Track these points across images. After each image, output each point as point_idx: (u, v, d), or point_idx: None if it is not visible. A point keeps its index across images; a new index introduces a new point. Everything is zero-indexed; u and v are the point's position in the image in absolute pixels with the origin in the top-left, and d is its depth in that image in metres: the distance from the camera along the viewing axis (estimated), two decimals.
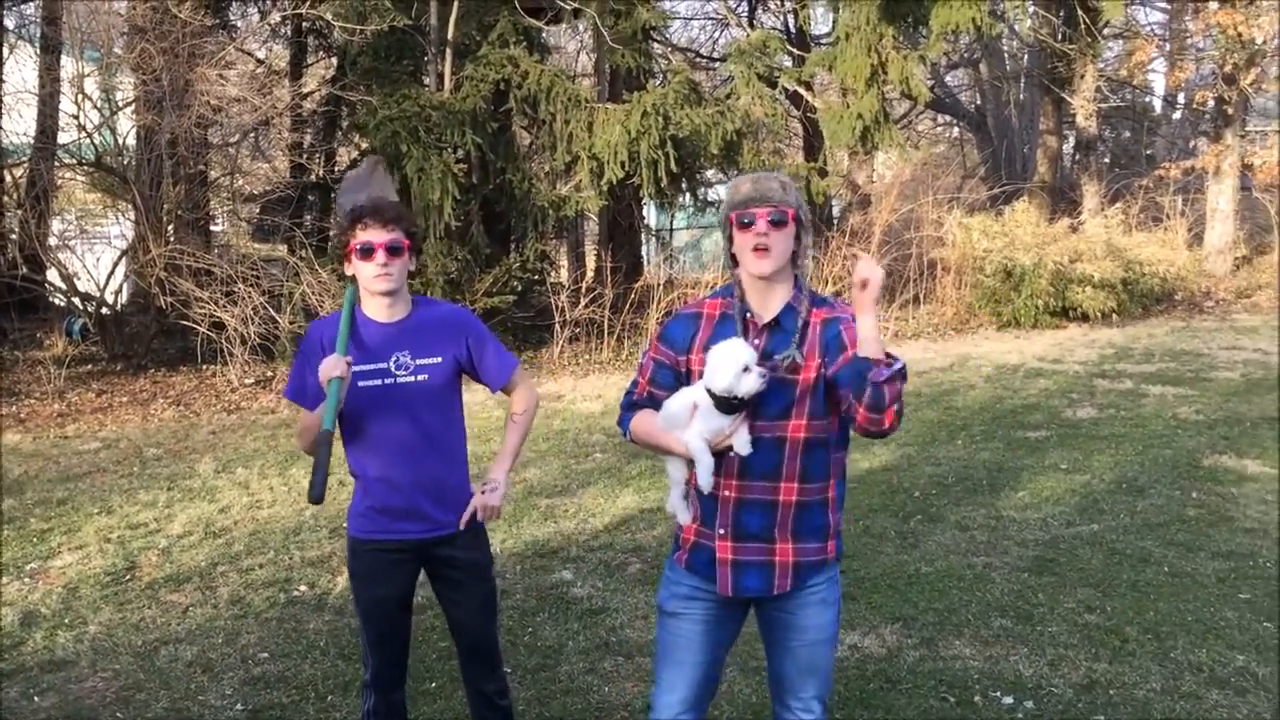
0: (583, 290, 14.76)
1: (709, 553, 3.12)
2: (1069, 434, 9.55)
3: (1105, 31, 22.25)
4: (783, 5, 22.78)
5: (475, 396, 8.30)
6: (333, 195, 17.15)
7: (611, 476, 8.25)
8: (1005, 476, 8.18)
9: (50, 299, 15.12)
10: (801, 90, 18.07)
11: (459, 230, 13.39)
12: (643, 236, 19.74)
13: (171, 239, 13.05)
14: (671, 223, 20.96)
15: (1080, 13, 19.68)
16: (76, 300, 13.74)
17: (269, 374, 12.49)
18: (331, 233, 16.37)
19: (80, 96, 13.36)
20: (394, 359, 3.58)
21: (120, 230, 15.37)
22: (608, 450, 9.08)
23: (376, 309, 3.63)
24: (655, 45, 18.76)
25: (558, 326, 14.17)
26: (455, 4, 13.97)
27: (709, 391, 2.96)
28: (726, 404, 2.94)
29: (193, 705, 4.74)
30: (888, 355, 2.79)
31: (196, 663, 5.17)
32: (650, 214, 20.25)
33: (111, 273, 14.03)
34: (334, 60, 16.92)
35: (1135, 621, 5.40)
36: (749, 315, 3.09)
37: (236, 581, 6.23)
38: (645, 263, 18.97)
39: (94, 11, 14.14)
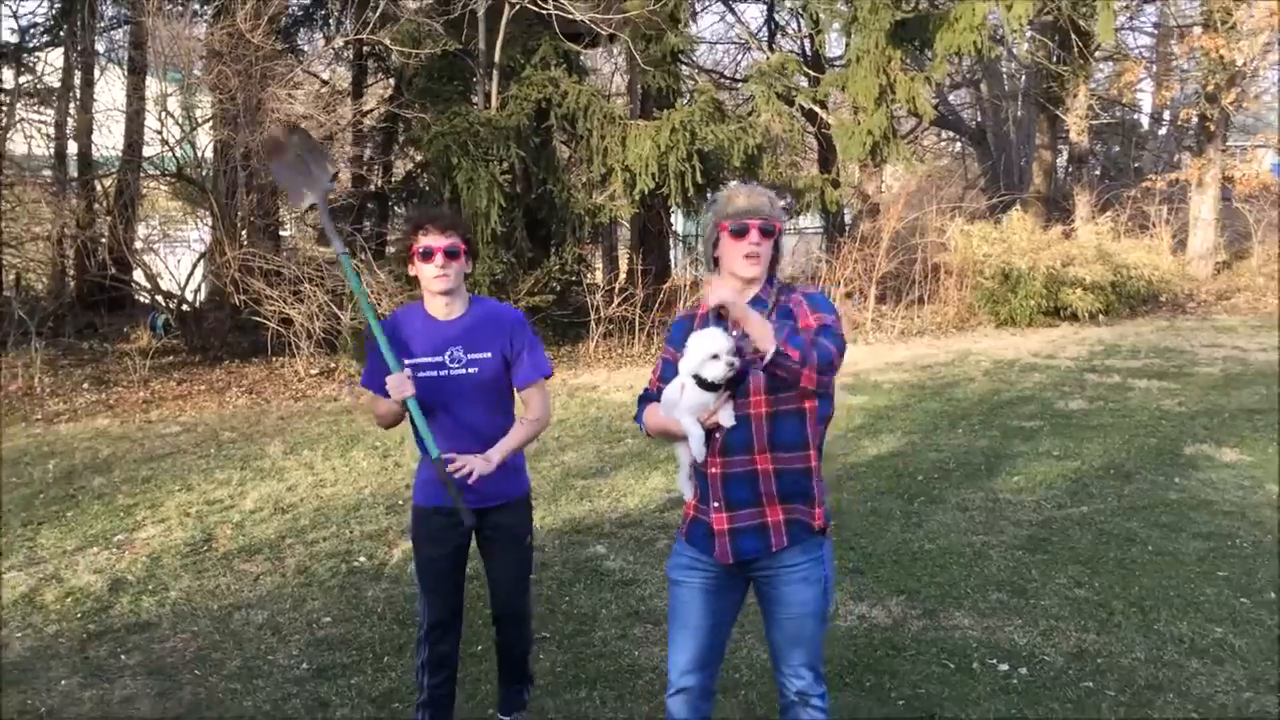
0: (616, 290, 14.74)
1: (705, 526, 3.16)
2: (1061, 424, 9.47)
3: (1096, 54, 22.04)
4: (800, 30, 22.65)
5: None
6: (390, 204, 17.26)
7: (642, 460, 8.24)
8: (1002, 462, 8.13)
9: (136, 297, 15.25)
10: (816, 108, 17.98)
11: (504, 235, 13.40)
12: (670, 241, 19.72)
13: (245, 243, 13.12)
14: (697, 229, 20.92)
15: (1074, 36, 19.53)
16: (160, 298, 13.85)
17: (331, 365, 12.56)
18: (389, 238, 16.47)
19: (163, 114, 13.47)
20: (449, 353, 3.67)
21: (199, 235, 15.48)
22: (638, 436, 9.07)
23: (436, 307, 3.72)
24: (683, 67, 18.67)
25: (593, 323, 14.18)
26: (501, 30, 13.99)
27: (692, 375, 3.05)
28: (704, 384, 3.02)
29: (263, 664, 4.78)
30: (776, 350, 2.84)
31: (266, 626, 5.22)
32: (678, 221, 20.24)
33: (191, 273, 14.13)
34: (392, 81, 16.99)
35: (1121, 596, 5.36)
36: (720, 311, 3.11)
37: (302, 553, 6.27)
38: (673, 265, 18.94)
39: (176, 37, 14.23)
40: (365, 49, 16.19)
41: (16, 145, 14.35)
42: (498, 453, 3.65)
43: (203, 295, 14.64)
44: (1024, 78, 26.58)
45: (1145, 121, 30.45)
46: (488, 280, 12.99)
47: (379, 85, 18.47)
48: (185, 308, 13.88)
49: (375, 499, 7.30)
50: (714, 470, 3.11)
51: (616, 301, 14.29)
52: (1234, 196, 22.48)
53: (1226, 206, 22.58)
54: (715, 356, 2.98)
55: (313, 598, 5.57)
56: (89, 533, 6.66)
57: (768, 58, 18.72)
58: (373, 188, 16.41)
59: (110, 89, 15.42)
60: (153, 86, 14.39)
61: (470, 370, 3.67)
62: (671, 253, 19.70)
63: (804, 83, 18.46)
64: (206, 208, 13.64)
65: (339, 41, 16.27)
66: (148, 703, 4.40)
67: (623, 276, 16.83)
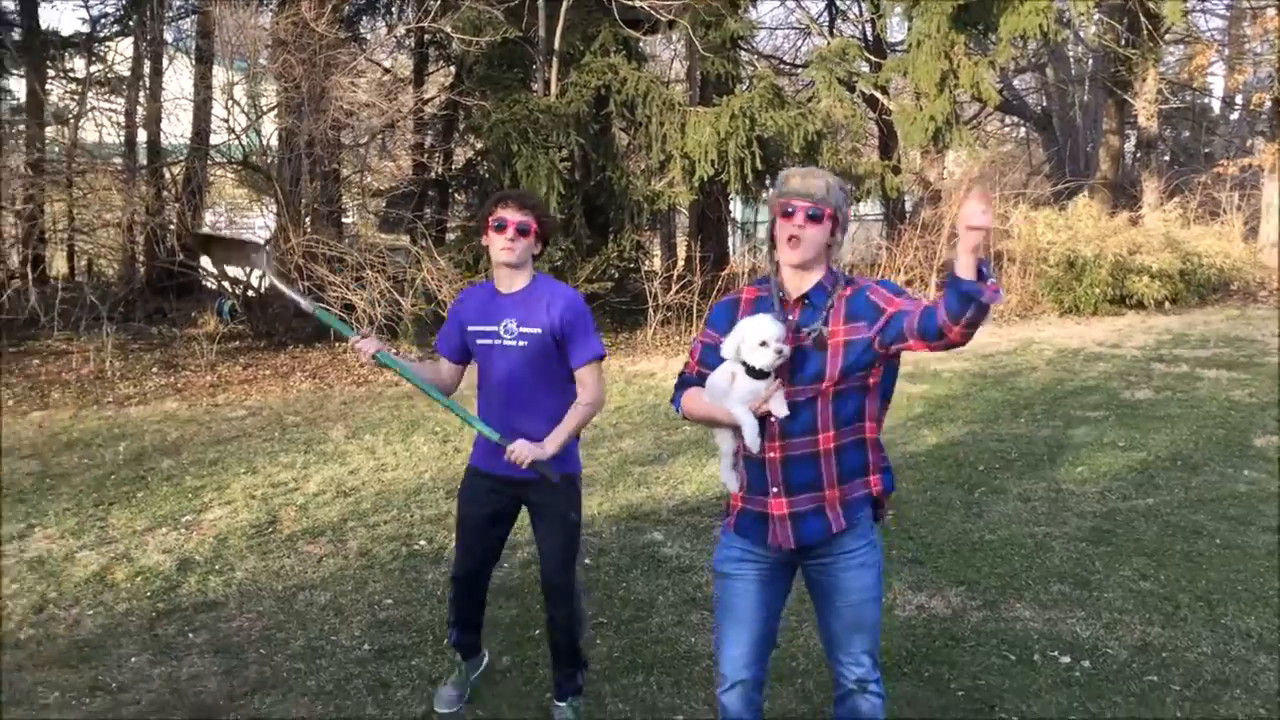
0: (674, 278, 14.73)
1: (755, 516, 3.13)
2: (1126, 414, 9.31)
3: (1166, 37, 21.57)
4: (861, 15, 22.43)
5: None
6: (450, 191, 17.37)
7: (699, 447, 8.24)
8: (1065, 453, 8.01)
9: (203, 283, 15.52)
10: (878, 94, 17.80)
11: (563, 223, 13.44)
12: (729, 228, 19.64)
13: (308, 230, 13.29)
14: (756, 216, 20.83)
15: (1143, 19, 19.09)
16: (226, 284, 14.08)
17: (394, 351, 12.67)
18: (449, 224, 16.60)
19: (230, 102, 13.68)
20: (503, 324, 3.84)
21: (264, 222, 15.71)
22: (695, 424, 9.05)
23: (500, 279, 3.91)
24: (742, 53, 18.55)
25: (651, 310, 14.18)
26: (561, 17, 14.00)
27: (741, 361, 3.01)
28: (754, 372, 2.98)
29: (326, 644, 4.85)
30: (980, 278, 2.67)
31: (329, 606, 5.30)
32: (736, 208, 20.15)
33: None
34: (452, 69, 17.07)
35: (1188, 589, 5.27)
36: (783, 295, 3.11)
37: (364, 535, 6.36)
38: (731, 253, 18.85)
39: (242, 26, 14.43)
40: (427, 37, 16.30)
41: (88, 133, 14.65)
42: (552, 442, 3.78)
43: (267, 281, 14.85)
44: (1091, 61, 26.11)
45: (1216, 106, 29.82)
46: (546, 267, 13.01)
47: (440, 73, 18.58)
48: (251, 294, 14.10)
49: (435, 483, 7.38)
50: (773, 454, 3.06)
51: (675, 288, 14.28)
52: None
53: None
54: (764, 344, 2.94)
55: (374, 580, 5.65)
56: (158, 513, 6.81)
57: (828, 43, 18.54)
58: (433, 175, 16.53)
59: (178, 78, 15.68)
60: (219, 75, 14.61)
61: (520, 344, 3.82)
62: (730, 240, 19.63)
63: (865, 68, 18.29)
64: (271, 195, 13.84)
65: (401, 29, 16.42)
66: (214, 680, 4.49)
67: (680, 264, 16.81)
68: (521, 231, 3.79)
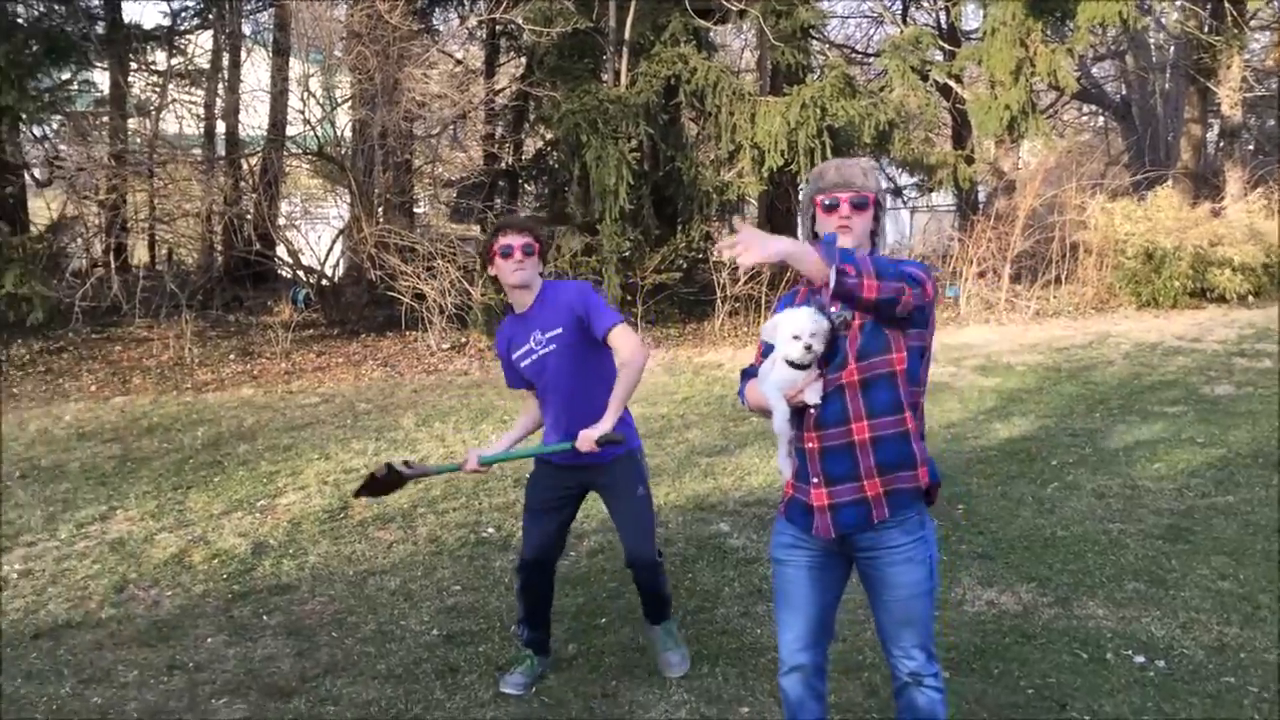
0: (742, 268, 14.66)
1: (803, 505, 3.13)
2: (1206, 410, 9.09)
3: (1252, 23, 20.96)
4: (935, 3, 22.13)
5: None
6: (520, 182, 17.47)
7: (766, 439, 8.19)
8: (1142, 449, 7.84)
9: (279, 271, 15.82)
10: (952, 83, 17.55)
11: (632, 213, 13.45)
12: (798, 219, 19.52)
13: (381, 220, 13.46)
14: None
15: (1227, 4, 18.57)
16: (301, 273, 14.33)
17: (463, 340, 12.80)
18: (520, 214, 16.69)
19: (305, 94, 13.89)
20: (533, 337, 4.13)
21: (338, 212, 15.94)
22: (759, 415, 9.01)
23: (516, 302, 4.18)
24: (814, 42, 18.41)
25: (719, 301, 14.14)
26: (632, 7, 14.00)
27: None
28: (789, 362, 3.00)
29: (396, 628, 4.92)
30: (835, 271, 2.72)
31: (399, 592, 5.37)
32: None
33: (330, 249, 14.57)
34: (523, 59, 17.15)
35: (1268, 590, 5.12)
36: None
37: (433, 522, 6.43)
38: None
39: (318, 18, 14.65)
40: (498, 28, 16.40)
41: (169, 125, 14.97)
42: (608, 417, 3.99)
43: (341, 270, 15.08)
44: (1173, 48, 25.45)
45: None
46: (615, 258, 13.07)
47: (511, 64, 18.69)
48: (324, 282, 14.33)
49: (503, 472, 7.42)
50: (811, 445, 3.07)
51: (743, 279, 14.21)
52: None
53: None
54: (796, 337, 2.96)
55: (443, 566, 5.72)
56: (234, 497, 6.96)
57: (901, 31, 18.31)
58: (503, 165, 16.64)
59: (256, 70, 15.96)
60: (296, 67, 14.84)
61: (550, 348, 4.10)
62: (799, 231, 19.51)
63: (939, 56, 18.05)
64: (345, 185, 14.04)
65: (473, 21, 16.53)
66: (288, 661, 4.58)
67: None
68: (527, 252, 4.06)
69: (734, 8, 14.21)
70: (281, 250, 14.58)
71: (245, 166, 15.06)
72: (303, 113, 13.97)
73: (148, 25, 14.61)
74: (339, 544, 6.07)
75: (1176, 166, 22.34)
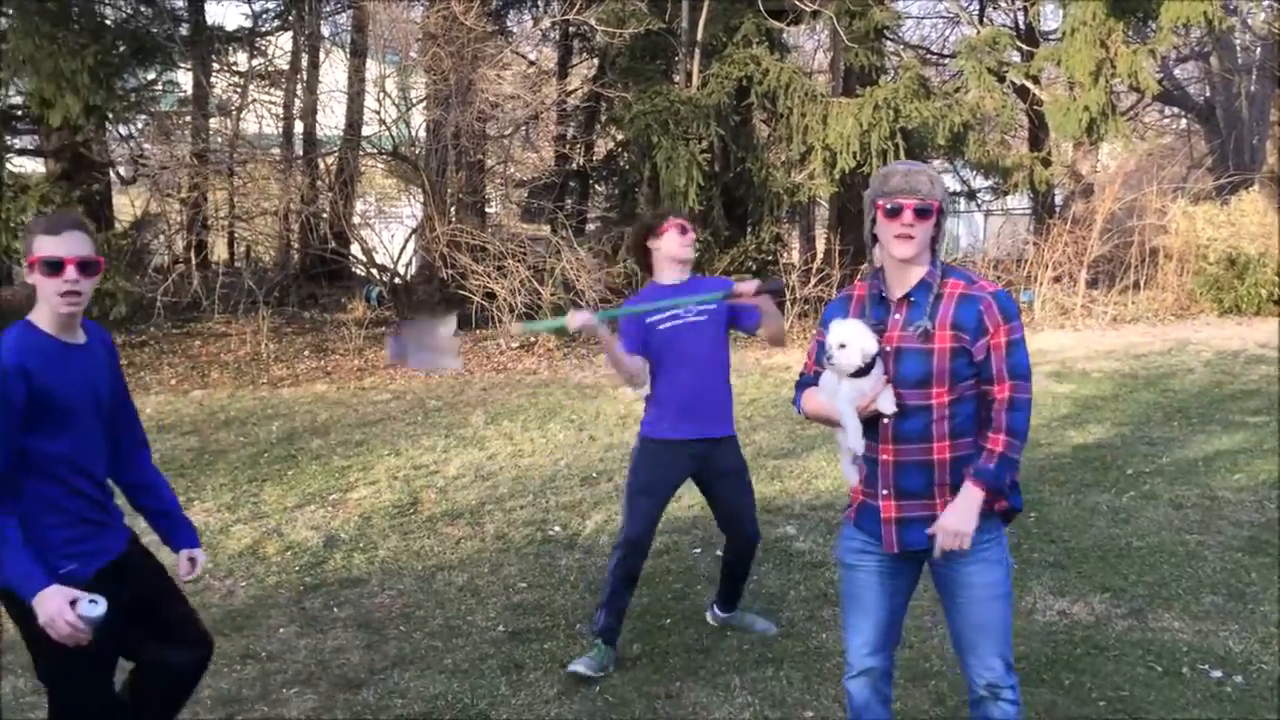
0: (812, 270, 14.57)
1: (874, 511, 3.10)
2: None
3: None
4: (1013, 2, 21.79)
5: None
6: (591, 182, 17.55)
7: (833, 442, 8.06)
8: (1221, 459, 7.64)
9: (353, 269, 16.05)
10: (1029, 84, 17.26)
11: (702, 214, 13.44)
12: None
13: (453, 219, 13.60)
14: None
15: None
16: (374, 271, 14.52)
17: (532, 339, 12.86)
18: (589, 215, 16.78)
19: (381, 95, 14.08)
20: (685, 307, 4.41)
21: (411, 211, 16.15)
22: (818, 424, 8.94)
23: (671, 277, 4.53)
24: (888, 43, 18.23)
25: (788, 303, 14.06)
26: (705, 8, 14.00)
27: None
28: (854, 371, 2.99)
29: (463, 624, 4.97)
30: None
31: (466, 587, 5.42)
32: None
33: (403, 248, 14.77)
34: (595, 61, 17.23)
35: None
36: (883, 293, 3.08)
37: (501, 519, 6.48)
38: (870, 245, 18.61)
39: (395, 20, 14.85)
40: (571, 29, 16.49)
41: (249, 125, 15.29)
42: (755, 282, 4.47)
43: (413, 269, 15.28)
44: (1259, 50, 24.78)
45: None
46: None
47: (583, 65, 18.78)
48: (397, 280, 14.51)
49: (570, 470, 7.48)
50: (885, 457, 3.04)
51: (813, 281, 14.13)
52: None
53: None
54: (843, 345, 2.96)
55: (509, 563, 5.76)
56: (307, 491, 7.08)
57: (978, 32, 18.05)
58: (574, 166, 16.73)
59: (333, 71, 16.24)
60: (372, 69, 15.05)
61: (700, 318, 4.42)
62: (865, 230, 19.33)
63: (1016, 57, 17.75)
64: (419, 185, 14.20)
65: (546, 22, 16.62)
66: (357, 654, 4.65)
67: (819, 256, 16.63)
68: (684, 233, 4.53)
69: (807, 9, 14.14)
70: (356, 249, 14.80)
71: (322, 166, 15.32)
72: (378, 113, 14.16)
73: (230, 27, 14.94)
74: (408, 539, 6.15)
75: (1262, 170, 21.76)
